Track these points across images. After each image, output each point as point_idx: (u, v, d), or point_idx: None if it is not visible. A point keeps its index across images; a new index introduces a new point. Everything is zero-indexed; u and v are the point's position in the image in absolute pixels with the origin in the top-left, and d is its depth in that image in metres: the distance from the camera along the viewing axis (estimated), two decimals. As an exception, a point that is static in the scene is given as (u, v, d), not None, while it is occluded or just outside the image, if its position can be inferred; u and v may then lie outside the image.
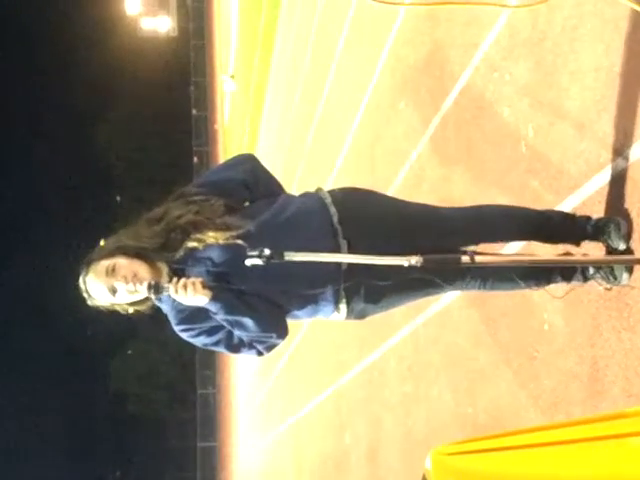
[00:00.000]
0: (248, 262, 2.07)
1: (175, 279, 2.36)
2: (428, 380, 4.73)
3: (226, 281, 2.41)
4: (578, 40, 3.01)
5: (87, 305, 2.53)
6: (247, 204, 2.60)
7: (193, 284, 2.34)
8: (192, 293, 2.33)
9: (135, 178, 45.71)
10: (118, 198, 45.80)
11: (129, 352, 44.84)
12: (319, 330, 8.37)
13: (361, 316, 2.58)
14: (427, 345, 4.77)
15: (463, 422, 4.10)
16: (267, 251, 2.05)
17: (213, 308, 2.41)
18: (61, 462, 45.98)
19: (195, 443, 37.60)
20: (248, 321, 2.42)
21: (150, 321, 2.68)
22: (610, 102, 2.77)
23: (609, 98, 2.78)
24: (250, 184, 2.57)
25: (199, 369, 38.40)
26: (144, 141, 45.53)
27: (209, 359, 36.31)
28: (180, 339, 2.61)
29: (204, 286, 2.35)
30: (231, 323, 2.45)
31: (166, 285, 2.36)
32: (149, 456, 46.07)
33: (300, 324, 9.00)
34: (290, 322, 2.59)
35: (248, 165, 2.62)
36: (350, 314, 2.54)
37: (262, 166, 2.67)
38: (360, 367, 6.42)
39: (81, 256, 2.52)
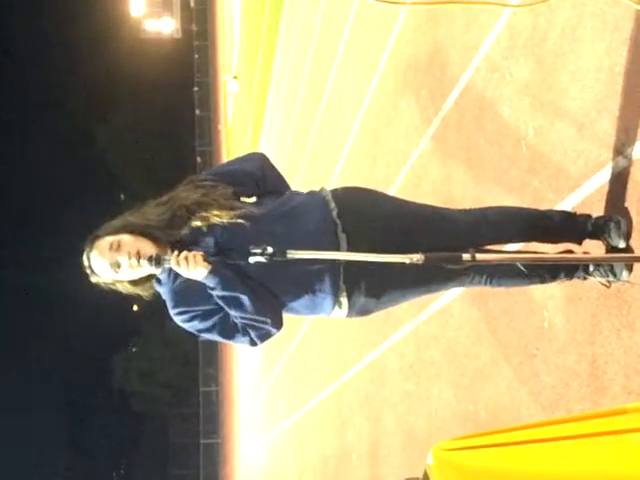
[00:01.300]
0: (251, 260, 2.10)
1: (176, 252, 2.40)
2: (429, 378, 4.75)
3: (226, 259, 2.44)
4: (579, 40, 3.03)
5: (91, 305, 2.57)
6: (254, 199, 2.66)
7: (194, 256, 2.38)
8: (193, 265, 2.37)
9: (138, 177, 45.75)
10: (122, 196, 45.85)
11: (133, 350, 44.90)
12: (320, 328, 8.39)
13: (364, 312, 2.60)
14: (428, 343, 4.79)
15: (464, 419, 4.12)
16: (270, 249, 2.09)
17: (211, 282, 2.44)
18: (64, 460, 46.03)
19: (198, 440, 37.66)
20: (244, 298, 2.45)
21: (153, 319, 2.71)
22: (610, 102, 2.79)
23: (610, 98, 2.80)
24: (258, 179, 2.64)
25: (202, 367, 38.44)
26: (148, 141, 45.58)
27: (212, 357, 36.34)
28: (182, 336, 2.64)
29: (204, 259, 2.39)
30: (227, 300, 2.47)
31: (167, 257, 2.40)
32: (152, 453, 46.13)
33: (301, 322, 9.02)
34: (292, 317, 2.62)
35: (258, 162, 2.70)
36: (352, 310, 2.55)
37: (272, 165, 2.73)
38: (361, 365, 6.44)
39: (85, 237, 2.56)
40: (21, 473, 44.74)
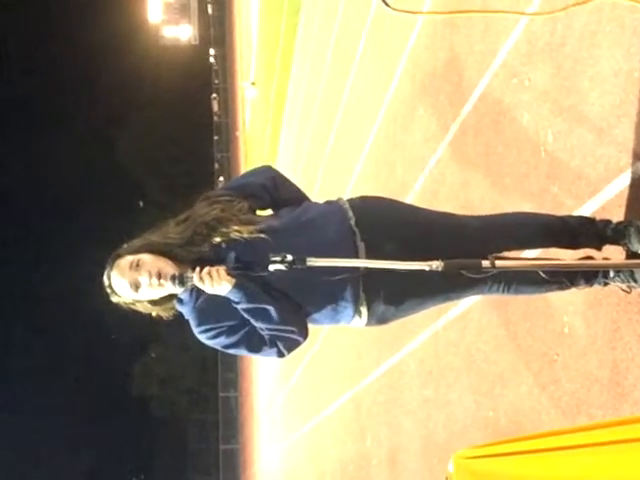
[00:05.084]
0: (271, 267, 2.11)
1: (198, 268, 2.40)
2: (448, 383, 4.74)
3: (249, 272, 2.45)
4: (597, 45, 3.03)
5: (111, 310, 2.57)
6: (270, 211, 2.68)
7: (217, 271, 2.38)
8: (217, 280, 2.38)
9: (157, 184, 46.04)
10: (141, 203, 46.16)
11: (152, 355, 45.10)
12: (339, 333, 8.39)
13: (383, 320, 2.60)
14: (447, 348, 4.78)
15: (484, 425, 4.11)
16: (289, 256, 2.10)
17: (236, 296, 2.44)
18: (84, 465, 46.27)
19: (217, 445, 37.75)
20: (270, 309, 2.45)
21: (173, 325, 2.73)
22: (630, 107, 2.78)
23: (629, 103, 2.79)
24: (270, 188, 2.65)
25: (221, 372, 38.57)
26: (166, 148, 45.85)
27: (231, 362, 36.44)
28: (201, 342, 2.65)
29: (228, 273, 2.40)
30: (253, 312, 2.47)
31: (190, 275, 2.40)
32: (172, 458, 46.24)
33: (320, 328, 9.02)
34: (311, 327, 2.63)
35: (268, 173, 2.72)
36: (371, 318, 2.56)
37: (281, 174, 2.75)
38: (380, 370, 6.44)
39: (106, 257, 2.58)
40: (40, 478, 45.04)
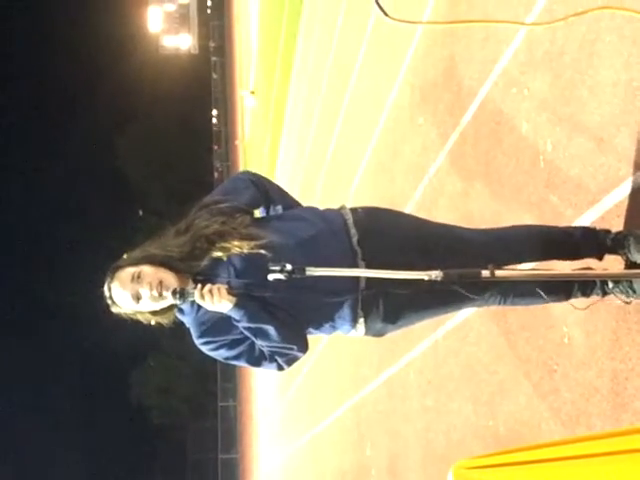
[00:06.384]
0: (270, 277, 2.11)
1: (200, 285, 2.40)
2: (448, 393, 4.73)
3: (249, 290, 2.45)
4: (596, 55, 3.03)
5: (110, 318, 2.57)
6: (265, 214, 2.69)
7: (218, 289, 2.38)
8: (217, 298, 2.37)
9: (156, 192, 46.10)
10: (140, 212, 46.23)
11: (151, 364, 45.05)
12: (339, 343, 8.38)
13: (380, 334, 2.61)
14: (447, 358, 4.77)
15: (483, 435, 4.10)
16: (289, 266, 2.10)
17: (237, 315, 2.44)
18: (82, 473, 46.12)
19: (216, 455, 37.67)
20: (270, 329, 2.45)
21: (172, 333, 2.72)
22: (629, 116, 2.78)
23: (628, 112, 2.79)
24: (257, 183, 2.66)
25: (220, 381, 38.53)
26: (165, 157, 45.94)
27: (230, 371, 36.41)
28: (200, 351, 2.64)
29: (229, 292, 2.40)
30: (253, 331, 2.47)
31: (191, 291, 2.40)
32: (171, 468, 46.14)
33: (319, 337, 9.00)
34: (310, 337, 2.63)
35: (247, 176, 2.73)
36: (368, 332, 2.57)
37: (261, 175, 2.77)
38: (380, 380, 6.42)
39: (106, 265, 2.57)
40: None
